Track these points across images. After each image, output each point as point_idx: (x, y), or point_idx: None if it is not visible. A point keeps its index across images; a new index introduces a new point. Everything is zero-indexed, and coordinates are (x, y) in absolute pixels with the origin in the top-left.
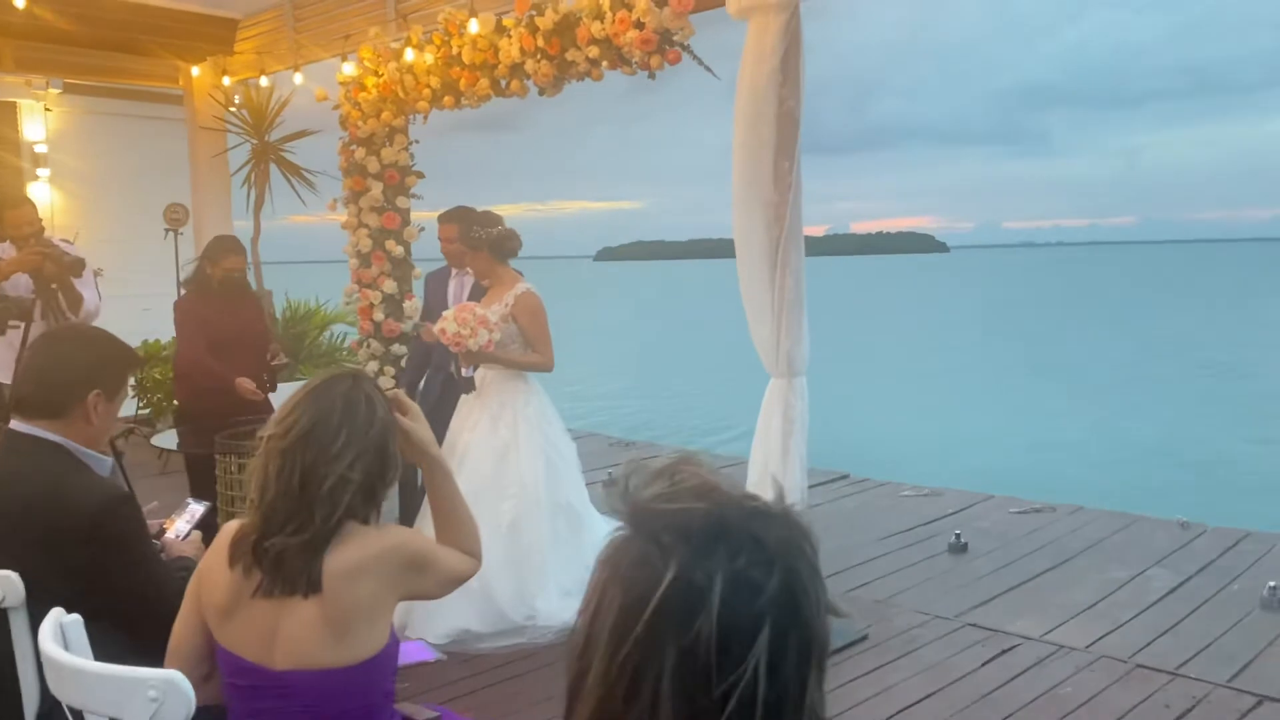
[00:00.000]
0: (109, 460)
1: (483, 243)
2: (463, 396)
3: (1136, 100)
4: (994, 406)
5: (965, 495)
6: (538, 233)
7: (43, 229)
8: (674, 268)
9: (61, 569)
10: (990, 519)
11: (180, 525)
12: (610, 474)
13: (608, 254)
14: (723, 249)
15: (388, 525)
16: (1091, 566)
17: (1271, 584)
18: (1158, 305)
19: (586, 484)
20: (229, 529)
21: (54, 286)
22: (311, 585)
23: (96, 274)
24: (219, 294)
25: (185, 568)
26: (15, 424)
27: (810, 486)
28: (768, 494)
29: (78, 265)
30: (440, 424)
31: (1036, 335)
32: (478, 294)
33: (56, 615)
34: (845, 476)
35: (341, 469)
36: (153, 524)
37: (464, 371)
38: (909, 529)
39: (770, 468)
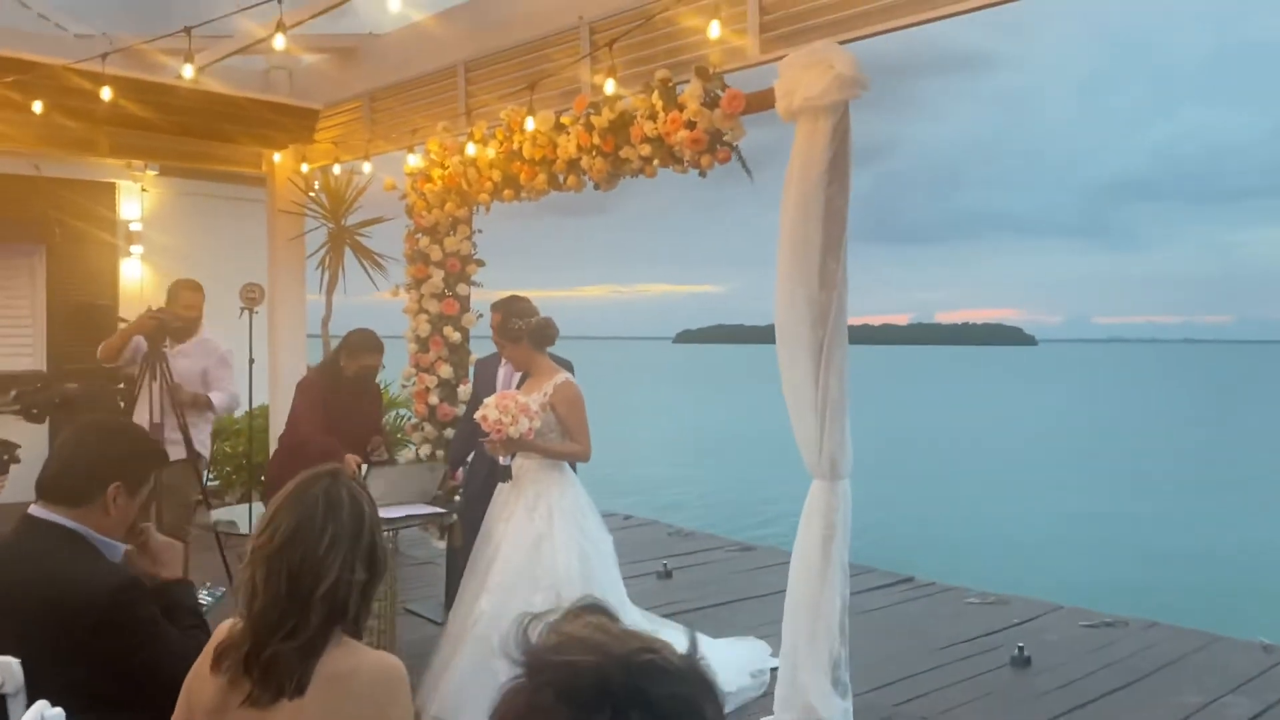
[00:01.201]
0: (120, 548)
1: (522, 333)
2: (499, 485)
3: (1229, 197)
4: (1079, 510)
5: (1033, 604)
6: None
7: (200, 315)
8: (752, 351)
9: (68, 656)
10: (1058, 631)
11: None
12: (665, 565)
13: (687, 336)
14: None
15: (383, 652)
16: (1163, 689)
17: None
18: (1254, 405)
19: (641, 574)
20: (221, 629)
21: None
22: (299, 688)
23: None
24: (347, 385)
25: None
26: (34, 509)
27: (871, 589)
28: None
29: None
30: (483, 510)
31: (1124, 435)
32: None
33: (40, 707)
34: (910, 580)
35: (331, 569)
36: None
37: (502, 460)
38: (971, 639)
39: (811, 574)
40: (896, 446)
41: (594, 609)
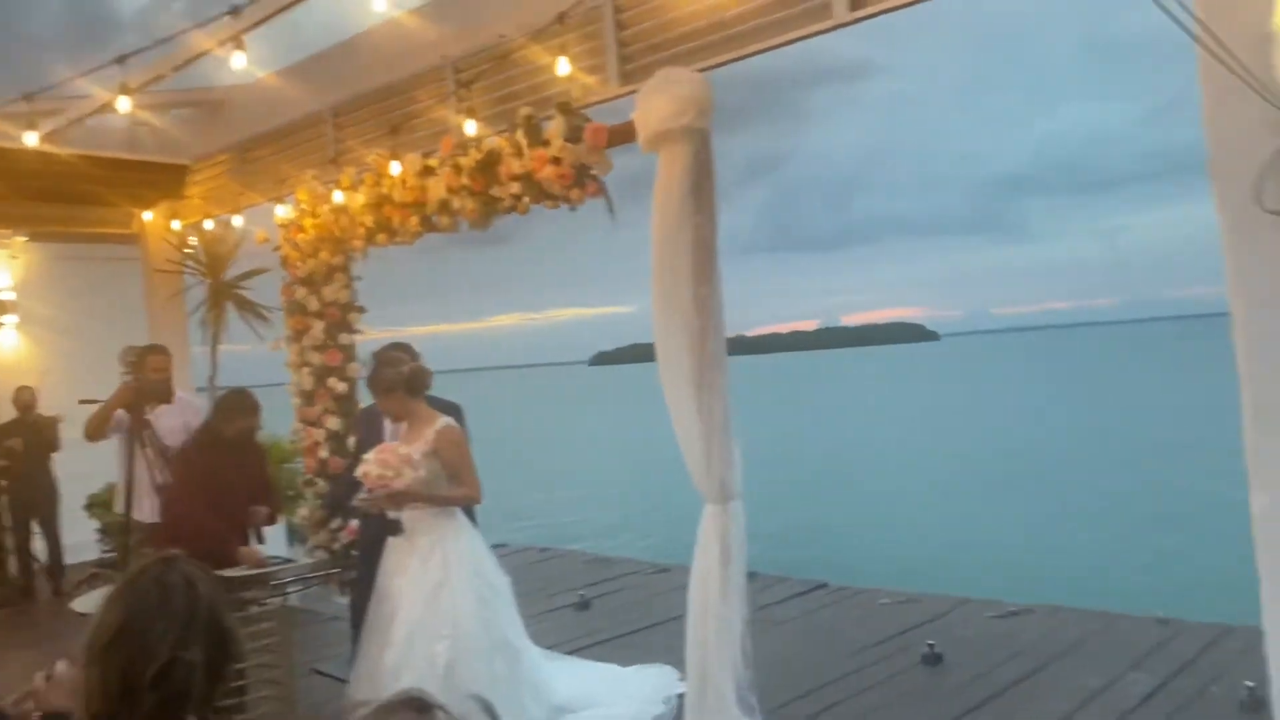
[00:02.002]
0: None
1: (396, 383)
2: (390, 540)
3: (1109, 185)
4: (984, 503)
5: (943, 600)
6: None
7: (170, 377)
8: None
9: None
10: (967, 625)
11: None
12: (581, 595)
13: (603, 358)
14: None
15: None
16: (1067, 672)
17: (1249, 684)
18: (1142, 383)
19: (558, 607)
20: None
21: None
22: None
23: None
24: (227, 449)
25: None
26: None
27: (785, 599)
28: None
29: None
30: (377, 566)
31: (1023, 421)
32: None
33: None
34: (824, 586)
35: (162, 653)
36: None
37: (389, 514)
38: (883, 640)
39: (710, 596)
40: (808, 453)
41: (410, 703)
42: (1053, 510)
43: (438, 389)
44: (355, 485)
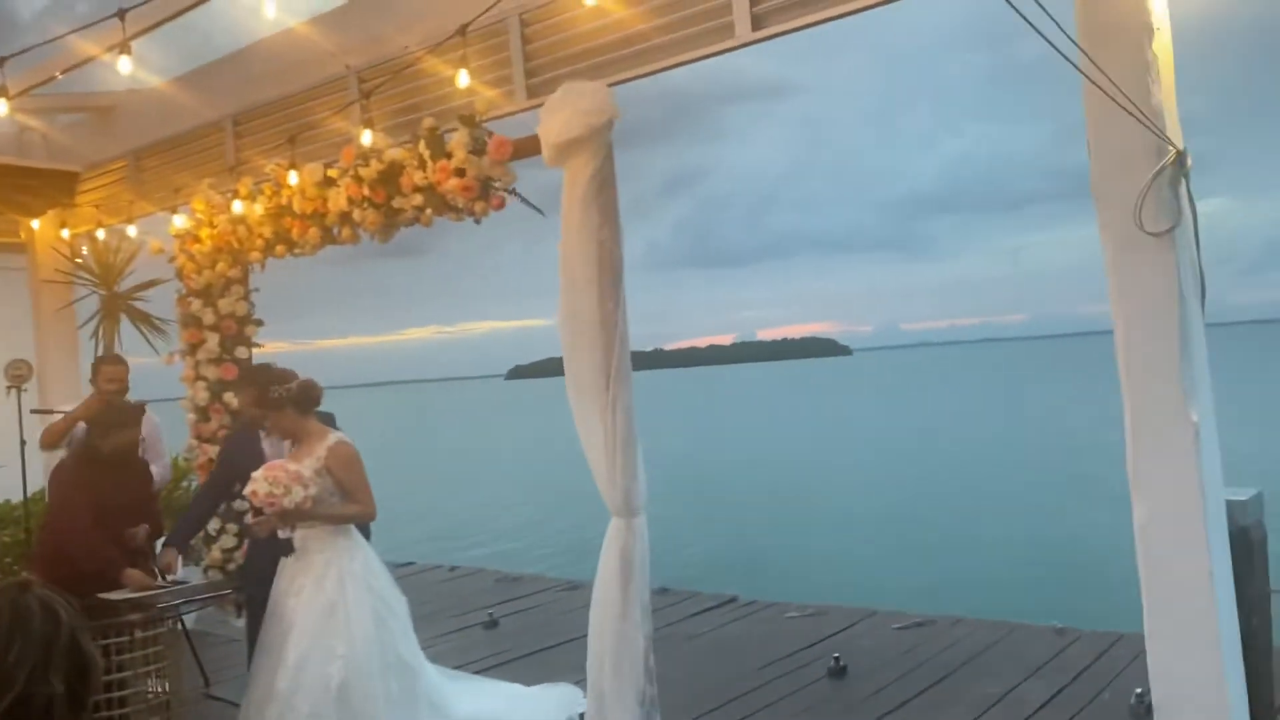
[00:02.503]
0: None
1: (285, 400)
2: (282, 560)
3: (1015, 203)
4: (892, 516)
5: (850, 612)
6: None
7: (127, 389)
8: None
9: None
10: (872, 637)
11: None
12: (490, 614)
13: (519, 372)
14: (636, 360)
15: None
16: (966, 682)
17: (1138, 690)
18: (1046, 397)
19: (466, 626)
20: None
21: None
22: None
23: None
24: (108, 463)
25: None
26: None
27: (695, 614)
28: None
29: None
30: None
31: (931, 434)
32: None
33: None
34: (733, 600)
35: (17, 682)
36: None
37: (280, 533)
38: (791, 653)
39: (612, 611)
40: (725, 467)
41: None
42: (960, 522)
43: (348, 404)
44: (209, 511)
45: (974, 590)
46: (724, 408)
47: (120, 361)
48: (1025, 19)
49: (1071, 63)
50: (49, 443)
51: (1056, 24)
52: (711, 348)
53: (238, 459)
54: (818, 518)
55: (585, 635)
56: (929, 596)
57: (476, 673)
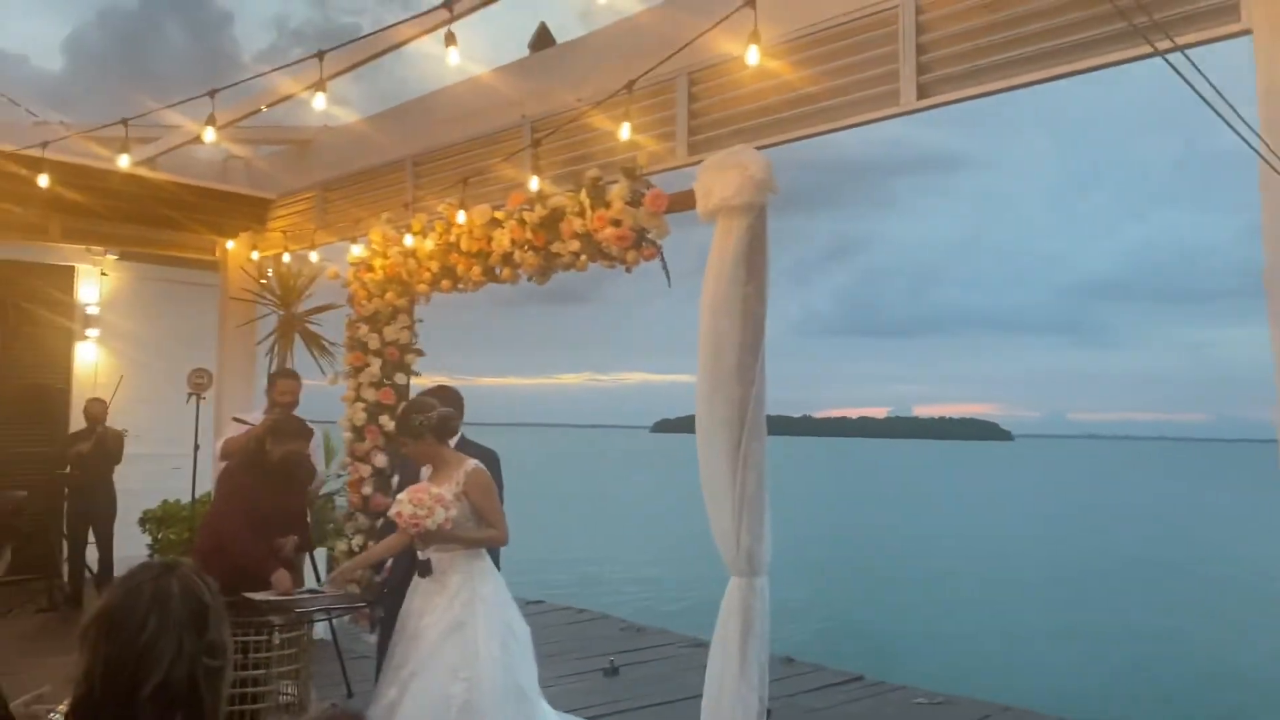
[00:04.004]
0: None
1: (426, 429)
2: (416, 580)
3: (1201, 297)
4: (1045, 610)
5: (979, 705)
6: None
7: (297, 402)
8: None
9: None
10: None
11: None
12: (611, 661)
13: (664, 425)
14: (776, 425)
15: None
16: None
17: None
18: (1227, 504)
19: (587, 670)
20: None
21: None
22: None
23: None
24: (273, 472)
25: None
26: None
27: (818, 688)
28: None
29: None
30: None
31: (1097, 531)
32: None
33: None
34: (859, 679)
35: (156, 665)
36: (42, 708)
37: (420, 554)
38: None
39: (729, 672)
40: (865, 541)
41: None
42: (1117, 626)
43: (495, 442)
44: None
45: (1123, 698)
46: (872, 481)
47: (294, 376)
48: (1207, 102)
49: (1251, 147)
50: (229, 452)
51: (1235, 111)
52: (863, 419)
53: (403, 478)
54: (959, 602)
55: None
56: (1068, 698)
57: (591, 719)
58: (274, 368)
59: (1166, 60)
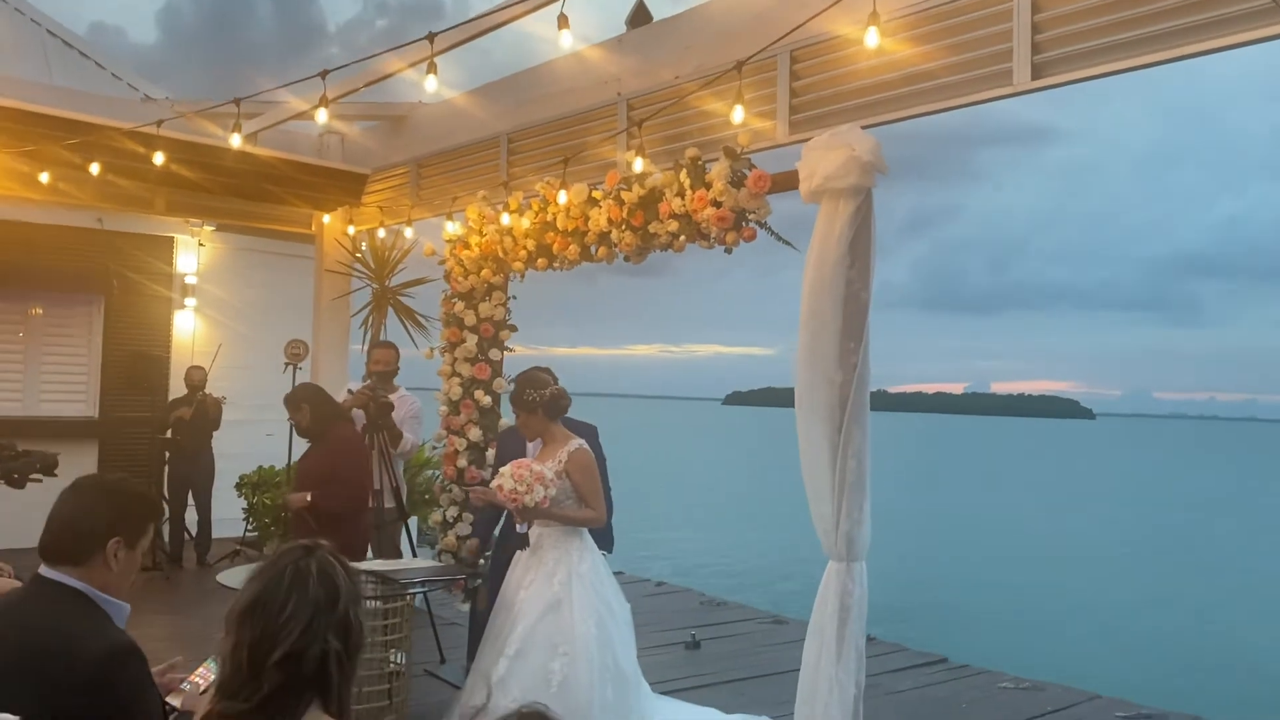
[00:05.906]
0: (126, 607)
1: (537, 404)
2: (517, 553)
3: None
4: (1132, 593)
5: (1070, 693)
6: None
7: (396, 370)
8: None
9: (54, 712)
10: None
11: (201, 678)
12: (693, 635)
13: (737, 398)
14: None
15: None
16: None
17: None
18: None
19: (668, 644)
20: (203, 702)
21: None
22: None
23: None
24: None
25: None
26: (43, 569)
27: (901, 669)
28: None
29: (386, 409)
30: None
31: (1184, 515)
32: None
33: None
34: (943, 661)
35: (288, 638)
36: (176, 677)
37: (519, 528)
38: None
39: (825, 655)
40: (943, 519)
41: (533, 717)
42: (1203, 611)
43: (577, 410)
44: (493, 520)
45: (1210, 689)
46: (949, 458)
47: (390, 346)
48: None
49: None
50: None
51: None
52: (939, 395)
53: (503, 453)
54: (1043, 586)
55: (786, 671)
56: (1156, 687)
57: (673, 692)
58: (368, 339)
59: None
